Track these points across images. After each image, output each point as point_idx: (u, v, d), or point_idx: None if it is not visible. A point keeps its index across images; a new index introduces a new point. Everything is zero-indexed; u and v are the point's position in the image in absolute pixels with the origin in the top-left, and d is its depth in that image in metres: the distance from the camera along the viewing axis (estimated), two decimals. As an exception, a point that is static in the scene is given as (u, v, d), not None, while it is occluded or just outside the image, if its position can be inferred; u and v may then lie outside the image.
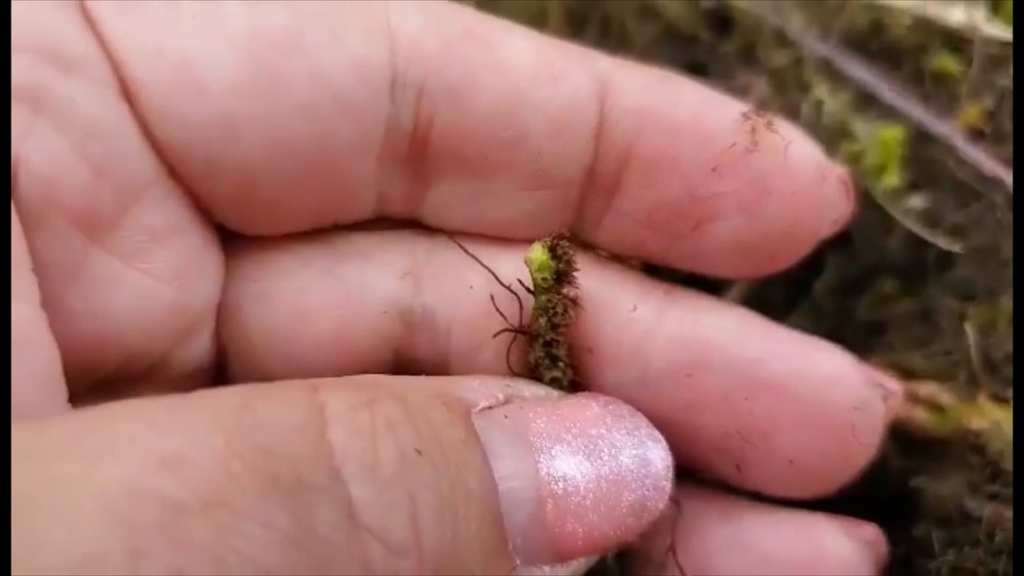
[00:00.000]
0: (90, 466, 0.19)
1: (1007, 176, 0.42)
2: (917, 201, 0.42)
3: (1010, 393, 0.38)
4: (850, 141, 0.43)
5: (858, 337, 0.40)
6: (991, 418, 0.38)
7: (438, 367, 0.32)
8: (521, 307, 0.30)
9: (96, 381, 0.29)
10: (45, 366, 0.26)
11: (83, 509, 0.18)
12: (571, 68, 0.30)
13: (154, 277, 0.29)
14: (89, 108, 0.27)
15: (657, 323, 0.31)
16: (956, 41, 0.44)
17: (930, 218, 0.42)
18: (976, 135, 0.43)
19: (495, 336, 0.31)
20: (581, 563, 0.27)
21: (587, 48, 0.32)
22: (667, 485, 0.28)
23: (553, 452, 0.26)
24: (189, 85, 0.27)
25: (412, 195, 0.31)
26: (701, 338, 0.31)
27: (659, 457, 0.28)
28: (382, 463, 0.22)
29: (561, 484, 0.26)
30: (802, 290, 0.42)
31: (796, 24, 0.45)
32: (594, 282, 0.31)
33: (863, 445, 0.32)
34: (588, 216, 0.32)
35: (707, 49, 0.46)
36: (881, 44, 0.45)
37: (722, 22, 0.47)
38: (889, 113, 0.44)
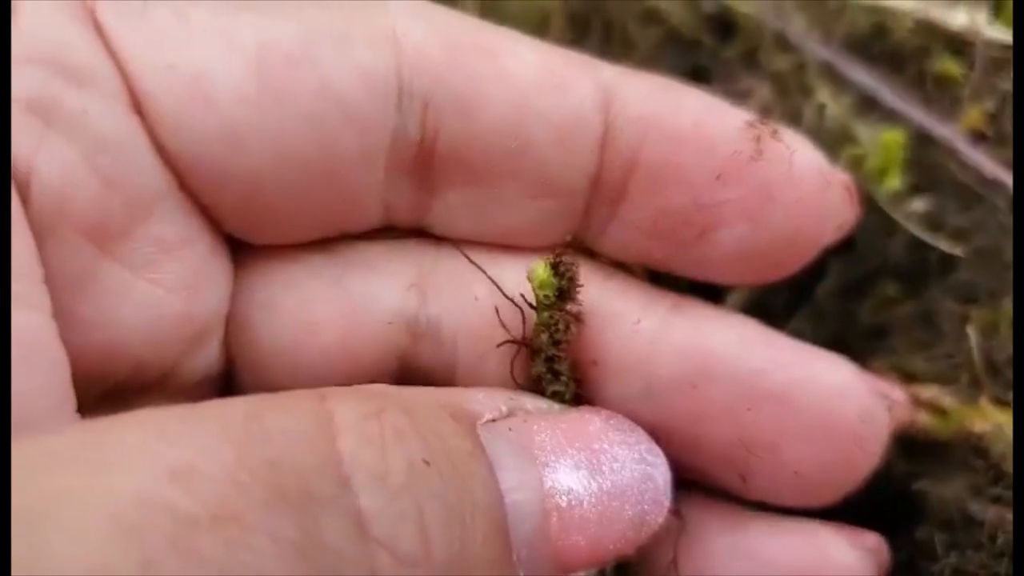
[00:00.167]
0: (99, 478, 0.19)
1: (1009, 179, 0.42)
2: (919, 204, 0.42)
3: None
4: (852, 145, 0.43)
5: (860, 340, 0.40)
6: (993, 421, 0.38)
7: (444, 377, 0.32)
8: (524, 320, 0.31)
9: (105, 391, 0.29)
10: (54, 375, 0.26)
11: (92, 521, 0.18)
12: (575, 77, 0.30)
13: (164, 287, 0.29)
14: (100, 120, 0.27)
15: (662, 335, 0.31)
16: (958, 44, 0.44)
17: (932, 221, 0.42)
18: (978, 138, 0.43)
19: (499, 346, 0.31)
20: None
21: (591, 56, 0.32)
22: (666, 500, 0.28)
23: (557, 465, 0.26)
24: (198, 97, 0.27)
25: (418, 204, 0.32)
26: (705, 350, 0.31)
27: (659, 472, 0.29)
28: (392, 473, 0.22)
29: (565, 497, 0.26)
30: (804, 294, 0.42)
31: (798, 28, 0.45)
32: (598, 294, 0.31)
33: (867, 455, 0.32)
34: (593, 224, 0.32)
35: (709, 54, 0.46)
36: (883, 48, 0.45)
37: (724, 27, 0.47)
38: (891, 116, 0.44)
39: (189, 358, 0.31)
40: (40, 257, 0.26)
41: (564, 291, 0.30)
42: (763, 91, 0.45)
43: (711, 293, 0.35)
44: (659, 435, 0.30)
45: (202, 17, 0.28)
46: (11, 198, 0.26)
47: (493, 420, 0.27)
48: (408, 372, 0.32)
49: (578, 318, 0.30)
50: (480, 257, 0.32)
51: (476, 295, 0.31)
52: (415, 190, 0.31)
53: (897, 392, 0.33)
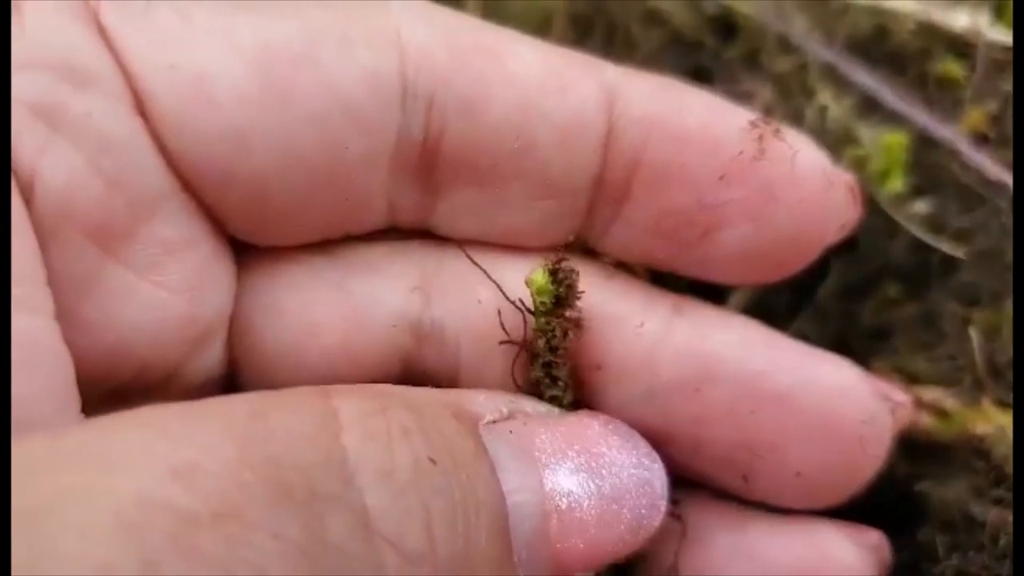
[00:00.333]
0: (102, 476, 0.19)
1: (1011, 180, 0.42)
2: (921, 206, 0.43)
3: (1015, 398, 0.38)
4: (854, 146, 0.43)
5: (862, 342, 0.40)
6: (995, 423, 0.38)
7: (446, 380, 0.32)
8: (525, 323, 0.31)
9: (109, 392, 0.29)
10: (59, 377, 0.26)
11: (95, 520, 0.19)
12: (578, 77, 0.30)
13: (167, 289, 0.29)
14: (103, 122, 0.27)
15: (664, 337, 0.31)
16: (960, 46, 0.45)
17: (934, 223, 0.42)
18: (980, 139, 0.43)
19: (500, 344, 0.31)
20: None
21: (594, 57, 0.32)
22: (663, 504, 0.29)
23: (557, 468, 0.27)
24: (201, 98, 0.27)
25: (422, 205, 0.32)
26: (708, 352, 0.31)
27: (656, 476, 0.29)
28: (398, 470, 0.22)
29: (565, 500, 0.26)
30: (806, 295, 0.42)
31: (800, 30, 0.45)
32: (601, 297, 0.31)
33: (870, 457, 0.32)
34: (596, 224, 0.32)
35: (711, 55, 0.46)
36: (885, 49, 0.45)
37: (726, 28, 0.47)
38: (893, 118, 0.44)
39: (193, 360, 0.31)
40: (44, 260, 0.26)
41: (562, 298, 0.30)
42: (765, 92, 0.45)
43: (713, 294, 0.35)
44: (661, 437, 0.31)
45: (205, 18, 0.28)
46: (12, 200, 0.26)
47: (494, 422, 0.27)
48: (411, 374, 0.32)
49: (578, 324, 0.30)
50: (483, 259, 0.32)
51: (479, 298, 0.31)
52: (418, 191, 0.31)
53: (900, 394, 0.33)
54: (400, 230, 0.33)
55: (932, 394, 0.39)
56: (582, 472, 0.27)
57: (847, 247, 0.41)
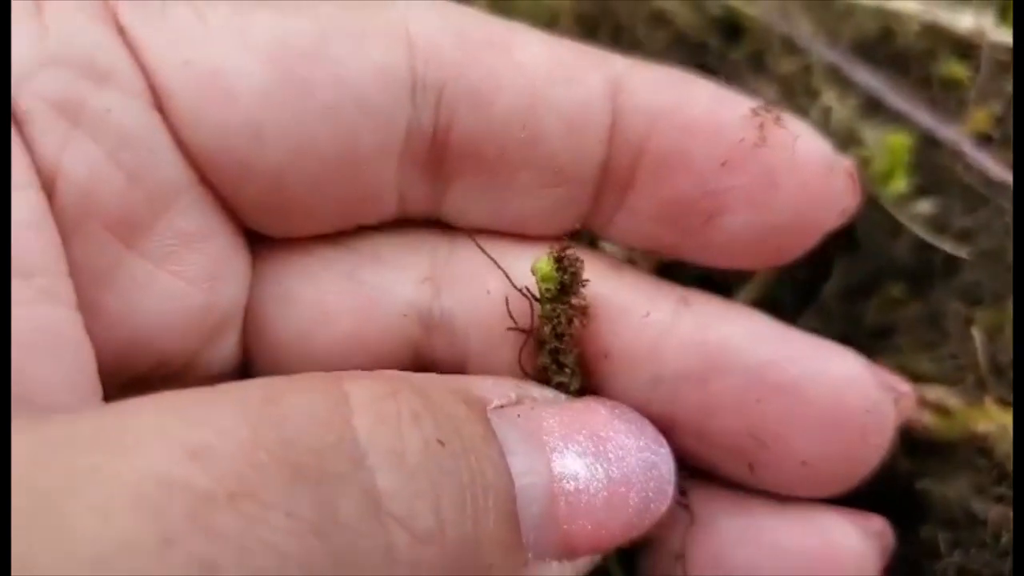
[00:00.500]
0: (122, 458, 0.20)
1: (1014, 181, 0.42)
2: (925, 206, 0.43)
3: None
4: (858, 147, 0.43)
5: (866, 341, 0.40)
6: (997, 421, 0.38)
7: (456, 368, 0.32)
8: (532, 310, 0.31)
9: (128, 381, 0.30)
10: (81, 366, 0.27)
11: (115, 499, 0.19)
12: (585, 68, 0.31)
13: (185, 279, 0.30)
14: (122, 118, 0.28)
15: (671, 327, 0.31)
16: (964, 47, 0.45)
17: (937, 223, 0.42)
18: (984, 140, 0.43)
19: (508, 330, 0.31)
20: (586, 561, 0.28)
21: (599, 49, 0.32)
22: (670, 488, 0.29)
23: (564, 451, 0.27)
24: (217, 93, 0.28)
25: (432, 195, 0.32)
26: (714, 342, 0.31)
27: (664, 461, 0.29)
28: (408, 452, 0.23)
29: (572, 482, 0.27)
30: (810, 294, 0.42)
31: (804, 31, 0.46)
32: (607, 287, 0.32)
33: (874, 447, 0.32)
34: (602, 212, 0.32)
35: (716, 56, 0.46)
36: (889, 50, 0.45)
37: (731, 29, 0.47)
38: (897, 119, 0.44)
39: (209, 349, 0.31)
40: (65, 252, 0.27)
41: (567, 285, 0.30)
42: (770, 93, 0.45)
43: (720, 290, 0.35)
44: (668, 426, 0.31)
45: (220, 16, 0.29)
46: (34, 195, 0.26)
47: (502, 406, 0.27)
48: (421, 363, 0.33)
49: (584, 312, 0.31)
50: (492, 249, 0.32)
51: (488, 288, 0.32)
52: (428, 181, 0.32)
53: (904, 385, 0.33)
54: (411, 221, 0.33)
55: (935, 393, 0.39)
56: (589, 456, 0.27)
57: (850, 246, 0.41)
